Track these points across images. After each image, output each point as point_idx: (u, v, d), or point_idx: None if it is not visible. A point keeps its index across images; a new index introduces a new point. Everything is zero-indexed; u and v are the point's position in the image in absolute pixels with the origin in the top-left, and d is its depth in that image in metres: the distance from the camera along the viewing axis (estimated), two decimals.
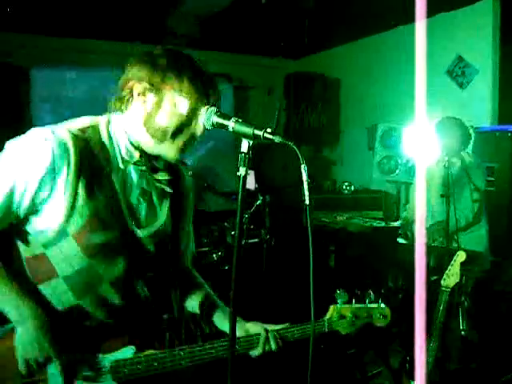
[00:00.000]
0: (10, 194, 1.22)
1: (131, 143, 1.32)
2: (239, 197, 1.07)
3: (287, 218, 4.31)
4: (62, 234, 1.25)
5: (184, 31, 5.18)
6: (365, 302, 1.56)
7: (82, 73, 4.78)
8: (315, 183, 5.60)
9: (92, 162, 1.26)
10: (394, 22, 4.80)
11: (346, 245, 4.32)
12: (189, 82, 1.25)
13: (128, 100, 1.29)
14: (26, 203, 1.23)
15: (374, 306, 1.57)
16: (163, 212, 1.42)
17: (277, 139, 1.08)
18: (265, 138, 1.09)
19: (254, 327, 1.48)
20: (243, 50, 5.93)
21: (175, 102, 1.26)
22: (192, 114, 1.27)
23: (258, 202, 3.84)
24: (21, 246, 1.32)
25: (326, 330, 1.52)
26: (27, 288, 1.29)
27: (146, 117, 1.28)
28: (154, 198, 1.40)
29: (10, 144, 1.24)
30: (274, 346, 1.43)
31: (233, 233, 3.61)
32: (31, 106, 4.83)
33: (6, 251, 1.33)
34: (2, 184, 1.22)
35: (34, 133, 1.23)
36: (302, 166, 1.04)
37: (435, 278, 2.49)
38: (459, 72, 4.48)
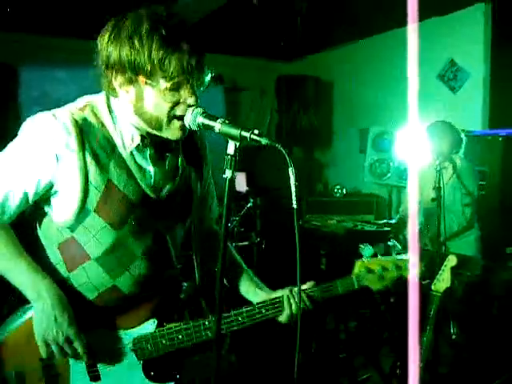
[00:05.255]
0: (24, 177, 1.23)
1: (135, 127, 1.27)
2: (225, 200, 1.04)
3: (278, 220, 4.28)
4: (83, 211, 1.24)
5: None
6: (391, 254, 1.45)
7: (72, 72, 4.71)
8: (307, 185, 5.59)
9: (97, 138, 1.25)
10: (386, 25, 4.80)
11: (338, 248, 4.31)
12: (170, 62, 1.13)
13: (114, 88, 1.23)
14: (38, 183, 1.23)
15: (403, 257, 1.47)
16: (177, 172, 1.38)
17: (264, 141, 1.05)
18: (252, 139, 1.06)
19: (279, 292, 1.44)
20: (235, 52, 5.91)
21: (158, 90, 1.17)
22: (179, 92, 1.18)
23: (249, 205, 3.82)
24: (52, 235, 1.31)
25: (356, 286, 1.42)
26: (56, 279, 1.28)
27: (134, 107, 1.23)
28: (166, 162, 1.36)
29: (22, 128, 1.25)
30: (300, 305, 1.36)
31: None
32: (20, 105, 4.77)
33: (29, 242, 1.33)
34: (14, 169, 1.23)
35: (38, 117, 1.24)
36: (290, 169, 1.02)
37: (426, 282, 2.48)
38: (451, 76, 4.49)
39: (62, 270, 1.32)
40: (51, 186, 1.25)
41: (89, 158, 1.22)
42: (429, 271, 2.72)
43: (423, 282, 2.67)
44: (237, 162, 1.06)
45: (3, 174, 1.24)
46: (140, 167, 1.30)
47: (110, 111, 1.27)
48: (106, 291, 1.31)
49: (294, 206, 1.03)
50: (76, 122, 1.22)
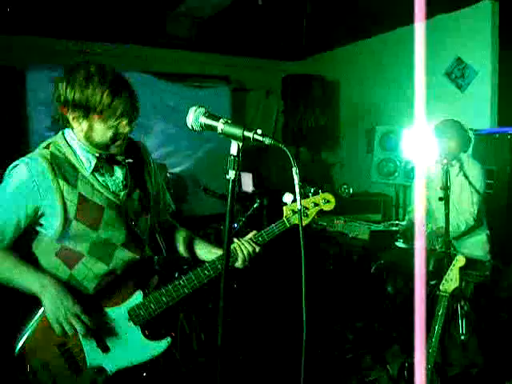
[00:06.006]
0: (15, 209, 1.53)
1: (87, 151, 1.57)
2: (228, 201, 1.03)
3: None
4: (67, 221, 1.54)
5: (182, 33, 5.15)
6: (308, 196, 1.77)
7: None
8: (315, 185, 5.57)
9: (63, 166, 1.56)
10: (392, 23, 4.78)
11: (345, 248, 4.29)
12: (119, 100, 1.46)
13: (66, 121, 1.53)
14: (26, 210, 1.53)
15: (318, 196, 1.78)
16: (124, 178, 1.67)
17: (267, 141, 1.04)
18: (255, 139, 1.05)
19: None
20: (241, 52, 5.91)
21: (106, 123, 1.48)
22: (120, 124, 1.51)
23: (256, 205, 3.81)
24: (48, 249, 1.60)
25: (288, 225, 1.72)
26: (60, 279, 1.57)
27: (85, 135, 1.53)
28: (117, 172, 1.67)
29: (9, 174, 1.54)
30: (250, 249, 1.68)
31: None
32: (28, 108, 4.80)
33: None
34: (6, 205, 1.54)
35: (19, 165, 1.54)
36: (294, 169, 1.01)
37: (434, 282, 2.45)
38: (458, 74, 4.45)
39: (63, 270, 1.60)
40: (38, 210, 1.54)
41: (61, 182, 1.53)
42: (437, 271, 2.70)
43: (431, 282, 2.65)
44: (240, 163, 1.06)
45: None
46: (100, 181, 1.61)
47: (68, 144, 1.59)
48: (104, 276, 1.61)
49: (299, 206, 1.02)
50: (46, 158, 1.54)
